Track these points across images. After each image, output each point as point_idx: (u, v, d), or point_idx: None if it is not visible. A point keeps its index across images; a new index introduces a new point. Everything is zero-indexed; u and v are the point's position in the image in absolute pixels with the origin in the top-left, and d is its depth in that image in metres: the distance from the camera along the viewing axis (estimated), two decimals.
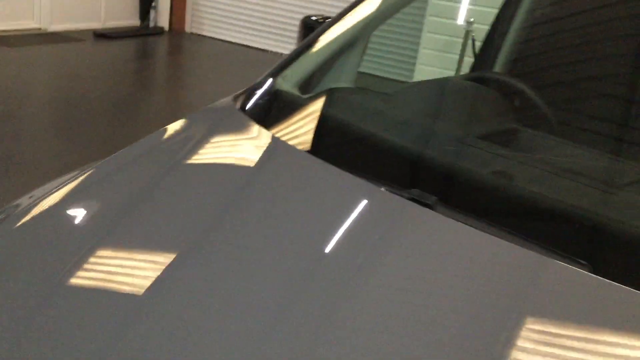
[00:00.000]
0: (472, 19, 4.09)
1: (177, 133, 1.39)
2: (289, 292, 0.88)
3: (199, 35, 7.71)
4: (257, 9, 7.35)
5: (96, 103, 4.81)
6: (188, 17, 7.73)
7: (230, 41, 7.54)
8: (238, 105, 1.44)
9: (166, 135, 1.37)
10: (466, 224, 0.97)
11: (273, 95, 1.47)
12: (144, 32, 7.34)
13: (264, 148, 1.28)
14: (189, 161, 1.26)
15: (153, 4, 7.55)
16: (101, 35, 6.83)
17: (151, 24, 7.56)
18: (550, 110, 1.45)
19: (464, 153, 1.22)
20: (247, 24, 7.44)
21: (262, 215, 1.06)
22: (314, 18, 1.89)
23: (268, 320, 0.83)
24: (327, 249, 0.96)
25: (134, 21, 7.49)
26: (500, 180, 1.09)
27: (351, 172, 1.12)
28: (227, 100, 1.47)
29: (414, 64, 5.45)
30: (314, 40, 1.62)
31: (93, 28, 6.99)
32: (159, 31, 7.53)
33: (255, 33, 7.39)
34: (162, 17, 7.66)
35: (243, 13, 7.44)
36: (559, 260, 0.90)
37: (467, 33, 4.11)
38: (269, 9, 7.24)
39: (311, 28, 1.85)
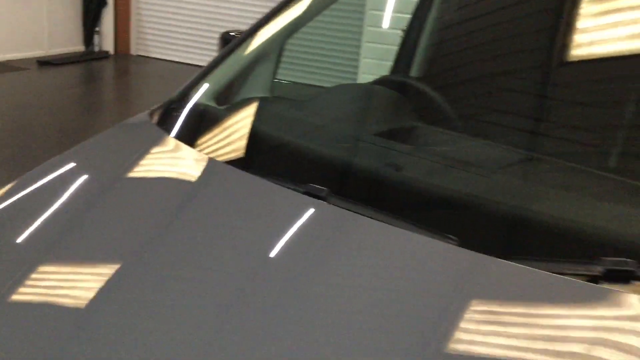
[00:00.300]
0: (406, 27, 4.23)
1: (95, 150, 1.45)
2: (223, 297, 0.93)
3: (145, 57, 7.72)
4: (201, 28, 7.41)
5: (42, 131, 4.80)
6: (133, 40, 7.74)
7: (177, 61, 7.57)
8: (155, 120, 1.51)
9: (84, 152, 1.42)
10: (352, 210, 1.07)
11: (189, 108, 1.54)
12: (89, 57, 7.33)
13: (181, 161, 1.34)
14: (113, 178, 1.30)
15: (97, 28, 7.54)
16: (45, 63, 6.80)
17: (96, 49, 7.54)
18: (449, 107, 1.56)
19: (361, 149, 1.32)
20: (192, 43, 7.49)
21: (179, 225, 1.13)
22: (232, 33, 1.97)
23: (208, 329, 0.87)
24: (237, 252, 1.03)
25: (79, 47, 7.47)
26: (386, 171, 1.19)
27: (259, 175, 1.20)
28: (143, 115, 1.53)
29: (350, 72, 5.59)
30: (229, 53, 1.70)
31: (37, 56, 6.94)
32: (104, 55, 7.52)
33: (200, 52, 7.44)
34: (106, 41, 7.66)
35: (187, 32, 7.50)
36: (432, 238, 1.00)
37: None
38: (214, 27, 7.31)
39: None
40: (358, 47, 5.62)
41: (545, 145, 1.34)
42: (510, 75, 1.66)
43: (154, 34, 7.69)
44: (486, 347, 0.83)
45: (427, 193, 1.11)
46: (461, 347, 0.82)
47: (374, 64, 5.35)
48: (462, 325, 0.86)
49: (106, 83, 6.96)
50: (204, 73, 1.65)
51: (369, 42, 5.33)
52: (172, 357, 0.83)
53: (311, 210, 1.11)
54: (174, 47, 7.61)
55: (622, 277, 0.91)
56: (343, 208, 1.08)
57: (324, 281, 0.96)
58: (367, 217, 1.05)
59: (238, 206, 1.18)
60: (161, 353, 0.84)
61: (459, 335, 0.84)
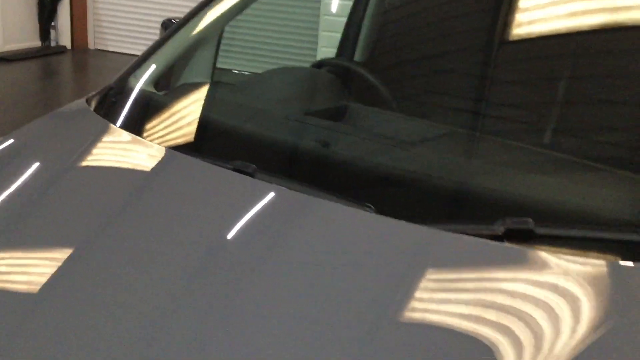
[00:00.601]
0: None
1: (34, 137, 1.45)
2: (175, 283, 0.94)
3: (104, 51, 7.65)
4: (160, 21, 7.36)
5: None
6: (90, 34, 7.65)
7: (135, 54, 7.49)
8: (92, 106, 1.53)
9: (22, 139, 1.43)
10: (277, 184, 1.11)
11: (127, 94, 1.56)
12: (45, 52, 7.22)
13: (121, 146, 1.36)
14: (54, 165, 1.31)
15: (53, 23, 7.43)
16: (0, 59, 6.69)
17: (53, 44, 7.43)
18: (383, 87, 1.61)
19: (292, 128, 1.37)
20: (151, 36, 7.43)
21: (121, 211, 1.15)
22: (174, 20, 1.99)
23: (160, 317, 0.88)
24: (173, 235, 1.06)
25: (35, 42, 7.35)
26: (312, 146, 1.24)
27: (198, 157, 1.23)
28: (80, 102, 1.55)
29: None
30: (167, 39, 1.72)
31: None
32: (61, 50, 7.41)
33: None
34: (63, 35, 7.55)
35: (146, 25, 7.44)
36: (350, 206, 1.05)
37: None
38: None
39: None
40: (316, 36, 5.66)
41: (466, 119, 1.40)
42: (443, 58, 1.71)
43: (112, 28, 7.61)
44: (410, 311, 0.87)
45: (346, 165, 1.16)
46: (383, 309, 0.87)
47: (331, 52, 5.40)
48: (385, 287, 0.90)
49: (63, 78, 6.88)
50: (142, 59, 1.67)
51: (325, 31, 5.36)
52: (124, 344, 0.84)
53: (240, 187, 1.14)
54: (132, 40, 7.54)
55: (524, 236, 0.97)
56: (269, 182, 1.12)
57: (249, 254, 1.00)
58: (292, 190, 1.10)
59: (176, 188, 1.20)
60: (111, 340, 0.85)
61: (380, 297, 0.89)
